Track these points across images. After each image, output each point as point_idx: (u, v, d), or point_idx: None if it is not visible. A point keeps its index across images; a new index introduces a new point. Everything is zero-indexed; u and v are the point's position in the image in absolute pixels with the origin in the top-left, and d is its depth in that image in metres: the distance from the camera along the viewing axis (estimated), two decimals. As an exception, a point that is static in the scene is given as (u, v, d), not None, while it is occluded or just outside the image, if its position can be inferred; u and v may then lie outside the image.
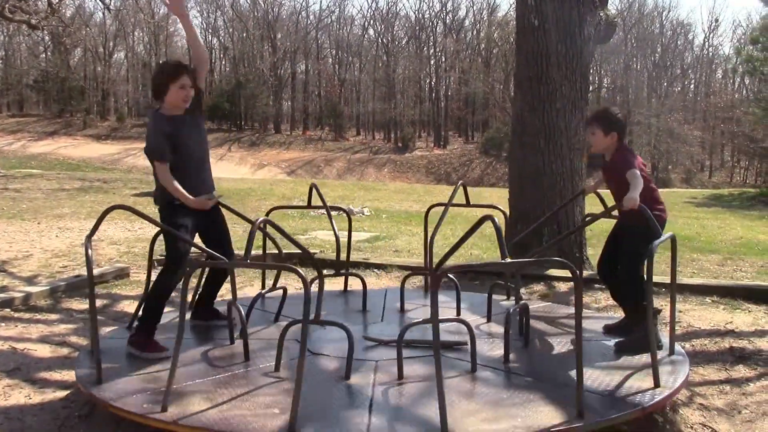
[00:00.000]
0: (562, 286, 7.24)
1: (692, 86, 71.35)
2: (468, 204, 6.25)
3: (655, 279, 6.40)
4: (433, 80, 71.85)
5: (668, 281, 6.89)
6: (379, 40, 72.36)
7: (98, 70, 65.76)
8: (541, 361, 4.56)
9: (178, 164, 4.51)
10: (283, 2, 68.81)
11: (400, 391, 3.93)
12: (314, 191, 5.98)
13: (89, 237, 4.11)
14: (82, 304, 6.73)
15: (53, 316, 6.29)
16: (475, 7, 73.04)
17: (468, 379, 4.09)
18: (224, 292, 5.56)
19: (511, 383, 4.07)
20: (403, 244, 10.62)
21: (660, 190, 5.36)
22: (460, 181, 6.31)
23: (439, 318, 3.29)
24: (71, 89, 61.14)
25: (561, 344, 4.80)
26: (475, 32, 72.02)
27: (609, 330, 5.10)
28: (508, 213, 8.38)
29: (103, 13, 56.83)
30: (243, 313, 4.64)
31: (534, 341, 4.85)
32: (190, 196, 4.52)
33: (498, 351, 4.58)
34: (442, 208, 6.03)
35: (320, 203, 6.14)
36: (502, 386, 4.01)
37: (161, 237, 4.82)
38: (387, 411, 3.66)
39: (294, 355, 4.43)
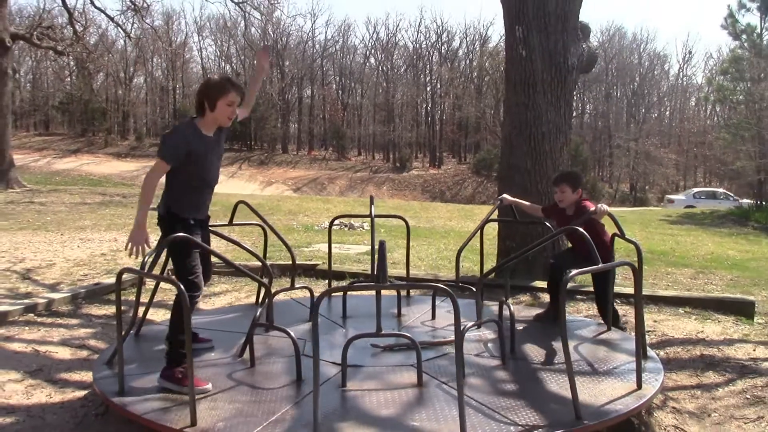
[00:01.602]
0: (547, 297, 7.22)
1: (668, 113, 71.45)
2: (371, 215, 6.20)
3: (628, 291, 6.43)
4: (429, 105, 72.06)
5: (647, 294, 6.95)
6: (380, 68, 72.58)
7: (119, 93, 65.85)
8: (527, 368, 4.52)
9: (188, 180, 4.09)
10: (290, 32, 68.94)
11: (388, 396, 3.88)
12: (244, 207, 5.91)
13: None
14: (100, 310, 6.73)
15: (74, 321, 6.28)
16: (468, 39, 73.08)
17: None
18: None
19: (498, 389, 4.03)
20: (399, 257, 10.60)
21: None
22: (370, 195, 6.62)
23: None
24: (94, 111, 61.27)
25: (546, 352, 4.79)
26: (468, 61, 72.24)
27: (538, 318, 5.68)
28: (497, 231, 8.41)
29: (125, 41, 56.90)
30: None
31: (520, 348, 4.83)
32: (144, 225, 3.94)
33: (487, 357, 4.57)
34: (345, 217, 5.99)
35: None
36: (491, 391, 3.98)
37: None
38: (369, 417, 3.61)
39: (288, 354, 4.44)
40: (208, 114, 4.13)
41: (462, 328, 3.58)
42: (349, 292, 5.85)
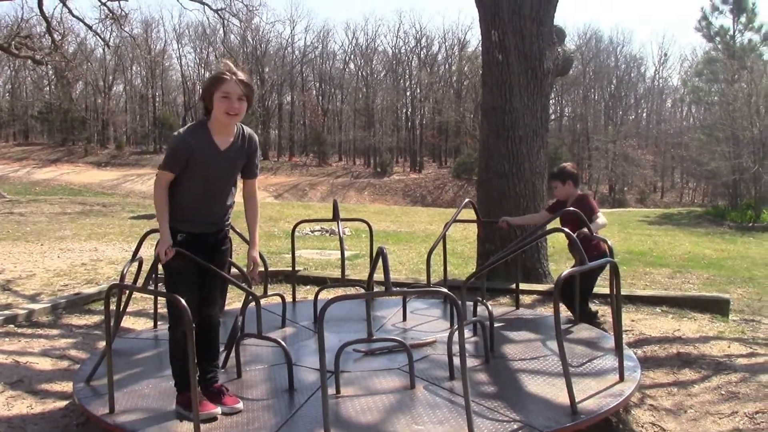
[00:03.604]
0: (527, 299, 7.27)
1: (645, 114, 72.15)
2: (336, 218, 6.22)
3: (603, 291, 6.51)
4: (409, 110, 72.28)
5: (625, 294, 7.02)
6: (359, 74, 72.69)
7: (98, 101, 65.47)
8: (510, 366, 4.54)
9: (189, 189, 3.68)
10: (270, 39, 68.88)
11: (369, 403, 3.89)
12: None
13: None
14: (81, 320, 6.69)
15: (54, 332, 6.25)
16: (447, 43, 73.39)
17: (443, 387, 4.09)
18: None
19: (487, 388, 4.05)
20: (379, 262, 10.62)
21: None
22: (334, 199, 6.61)
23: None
24: (73, 120, 60.89)
25: (526, 352, 4.83)
26: (447, 66, 72.53)
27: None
28: (477, 234, 8.46)
29: (103, 50, 56.45)
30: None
31: (499, 348, 4.86)
32: (166, 236, 3.60)
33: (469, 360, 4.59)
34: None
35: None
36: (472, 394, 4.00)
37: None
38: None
39: (270, 363, 4.44)
40: (213, 114, 3.64)
41: (449, 329, 3.61)
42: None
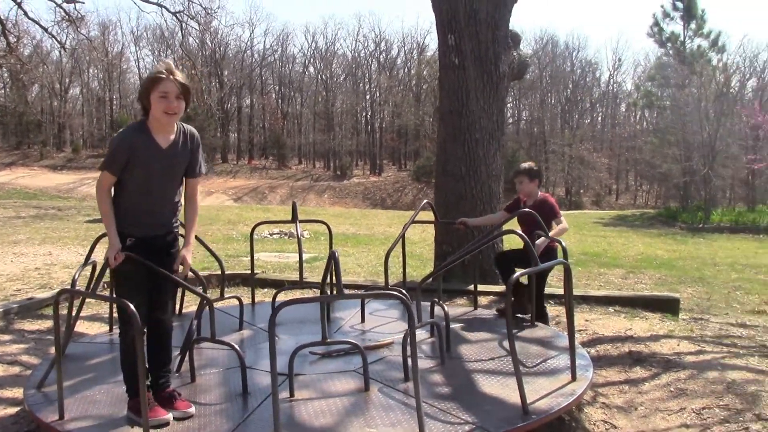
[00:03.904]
0: (483, 300, 7.31)
1: (600, 118, 73.27)
2: (295, 220, 6.23)
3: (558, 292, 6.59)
4: (369, 113, 72.45)
5: (579, 294, 7.12)
6: (319, 77, 72.57)
7: (55, 104, 64.21)
8: (465, 367, 4.57)
9: (131, 191, 3.63)
10: (229, 42, 68.27)
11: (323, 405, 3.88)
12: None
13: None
14: (33, 325, 6.54)
15: (6, 337, 6.09)
16: (406, 47, 73.72)
17: (401, 388, 4.09)
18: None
19: (442, 389, 4.06)
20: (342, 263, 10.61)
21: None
22: (293, 201, 6.62)
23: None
24: (29, 123, 59.63)
25: (482, 352, 4.85)
26: (406, 70, 72.90)
27: (501, 312, 5.99)
28: (434, 236, 8.49)
29: (60, 52, 55.42)
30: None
31: (456, 349, 4.88)
32: (114, 240, 3.55)
33: (423, 361, 4.61)
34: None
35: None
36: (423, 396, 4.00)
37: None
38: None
39: (224, 366, 4.40)
40: (151, 113, 3.59)
41: (405, 331, 3.61)
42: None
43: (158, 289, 3.73)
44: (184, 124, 3.78)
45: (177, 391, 3.78)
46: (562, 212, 5.97)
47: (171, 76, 3.54)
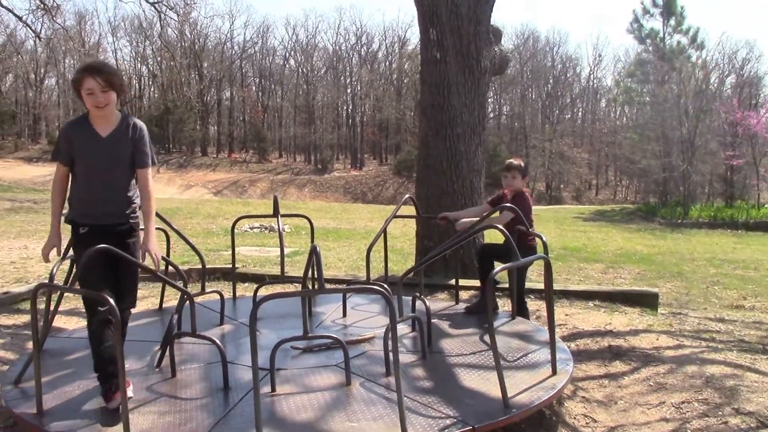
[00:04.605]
0: (464, 294, 7.34)
1: (580, 114, 73.74)
2: (276, 214, 6.23)
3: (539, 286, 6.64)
4: (350, 107, 72.33)
5: (559, 289, 7.17)
6: (300, 70, 72.28)
7: (30, 95, 63.42)
8: (446, 362, 4.58)
9: (77, 181, 3.81)
10: (208, 33, 67.81)
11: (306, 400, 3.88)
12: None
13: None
14: (9, 320, 6.47)
15: (-20, 332, 6.02)
16: (387, 41, 73.60)
17: (383, 382, 4.10)
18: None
19: (423, 383, 4.07)
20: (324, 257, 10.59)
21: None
22: (274, 194, 6.63)
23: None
24: (2, 114, 58.81)
25: (463, 347, 4.87)
26: (387, 63, 72.82)
27: (470, 310, 5.96)
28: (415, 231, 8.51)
29: (35, 42, 54.74)
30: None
31: (437, 344, 4.90)
32: (51, 233, 3.83)
33: (405, 356, 4.62)
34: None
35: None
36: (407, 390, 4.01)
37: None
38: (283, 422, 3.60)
39: (205, 361, 4.38)
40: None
41: (387, 325, 3.62)
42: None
43: (115, 278, 3.79)
44: (132, 116, 3.91)
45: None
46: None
47: (91, 73, 3.66)
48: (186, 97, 61.90)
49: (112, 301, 3.26)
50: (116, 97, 3.75)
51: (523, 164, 6.06)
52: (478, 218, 5.75)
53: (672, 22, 34.58)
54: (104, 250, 3.58)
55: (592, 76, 73.12)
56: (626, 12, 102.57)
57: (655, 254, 13.39)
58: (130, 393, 3.74)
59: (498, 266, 5.73)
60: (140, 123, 3.92)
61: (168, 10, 25.51)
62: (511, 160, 6.12)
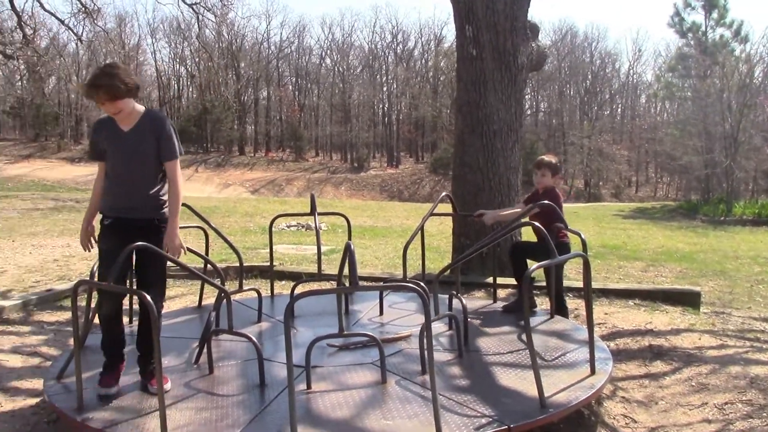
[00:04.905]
0: (501, 293, 7.29)
1: (619, 110, 72.72)
2: (313, 212, 6.21)
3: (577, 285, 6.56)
4: (386, 105, 72.28)
5: (599, 287, 7.08)
6: (336, 69, 72.55)
7: (72, 97, 64.63)
8: (483, 360, 4.55)
9: (106, 176, 3.98)
10: (245, 34, 68.42)
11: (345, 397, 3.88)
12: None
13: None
14: (52, 317, 6.61)
15: (25, 328, 6.16)
16: (423, 39, 73.54)
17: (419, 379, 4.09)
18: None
19: (459, 382, 4.05)
20: (356, 257, 10.62)
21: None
22: (311, 193, 6.61)
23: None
24: (46, 115, 60.02)
25: (500, 346, 4.84)
26: (423, 61, 72.67)
27: (507, 309, 5.89)
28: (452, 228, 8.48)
29: (76, 44, 55.63)
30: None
31: (474, 342, 4.87)
32: (83, 225, 4.04)
33: (439, 354, 4.60)
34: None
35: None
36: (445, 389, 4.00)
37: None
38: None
39: (242, 358, 4.42)
40: None
41: (423, 323, 3.62)
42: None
43: (138, 272, 3.97)
44: (153, 111, 4.05)
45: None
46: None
47: (90, 95, 3.81)
48: (223, 97, 62.55)
49: (149, 297, 3.36)
50: (130, 98, 3.84)
51: (554, 161, 5.98)
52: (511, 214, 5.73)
53: (714, 15, 33.93)
54: (108, 238, 3.85)
55: (631, 71, 72.17)
56: (667, 5, 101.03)
57: (697, 252, 13.14)
58: (167, 387, 3.87)
59: (530, 264, 5.72)
60: (162, 115, 4.02)
61: (205, 11, 25.73)
62: (542, 157, 6.06)
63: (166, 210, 3.96)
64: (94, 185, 4.05)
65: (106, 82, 3.73)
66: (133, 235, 3.77)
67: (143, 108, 3.96)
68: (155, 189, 3.94)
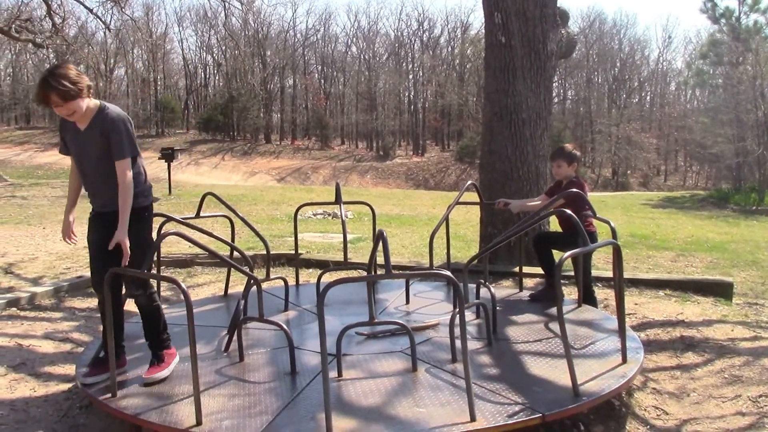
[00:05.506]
0: (529, 282, 7.25)
1: (648, 98, 71.74)
2: (338, 201, 6.20)
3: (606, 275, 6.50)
4: (412, 93, 71.97)
5: (628, 277, 7.01)
6: (362, 57, 72.33)
7: (100, 85, 65.21)
8: (512, 349, 4.54)
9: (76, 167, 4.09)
10: (271, 22, 68.60)
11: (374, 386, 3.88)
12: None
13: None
14: (83, 303, 6.70)
15: (57, 315, 6.25)
16: (449, 26, 73.13)
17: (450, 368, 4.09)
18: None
19: (490, 370, 4.04)
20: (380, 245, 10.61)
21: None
22: (336, 181, 6.63)
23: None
24: (75, 103, 60.70)
25: (529, 334, 4.81)
26: (449, 49, 72.18)
27: (534, 298, 5.90)
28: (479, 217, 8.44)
29: (104, 33, 56.28)
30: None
31: (502, 331, 4.85)
32: (64, 218, 4.20)
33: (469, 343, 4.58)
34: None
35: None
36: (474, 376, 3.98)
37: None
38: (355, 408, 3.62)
39: (272, 346, 4.45)
40: None
41: (451, 312, 3.59)
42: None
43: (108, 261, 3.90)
44: (107, 109, 3.91)
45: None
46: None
47: (39, 102, 3.79)
48: (250, 85, 62.79)
49: (183, 285, 3.47)
50: (81, 99, 3.77)
51: (567, 149, 5.85)
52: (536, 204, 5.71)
53: (748, 0, 33.30)
54: (91, 229, 4.05)
55: (661, 58, 71.11)
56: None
57: (728, 242, 12.97)
58: (165, 373, 3.98)
59: (555, 253, 5.70)
60: (114, 114, 3.89)
61: (232, -1, 25.82)
62: (556, 149, 5.98)
63: (140, 199, 3.96)
64: (69, 180, 4.17)
65: (55, 85, 3.68)
66: (104, 227, 3.90)
67: (98, 105, 3.90)
68: (115, 183, 3.88)
